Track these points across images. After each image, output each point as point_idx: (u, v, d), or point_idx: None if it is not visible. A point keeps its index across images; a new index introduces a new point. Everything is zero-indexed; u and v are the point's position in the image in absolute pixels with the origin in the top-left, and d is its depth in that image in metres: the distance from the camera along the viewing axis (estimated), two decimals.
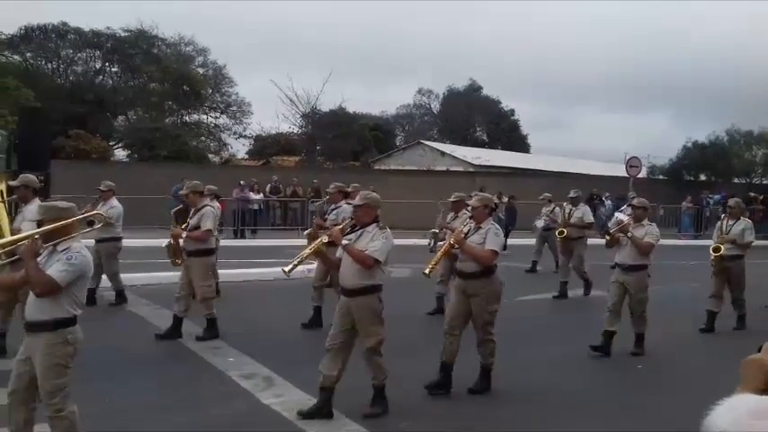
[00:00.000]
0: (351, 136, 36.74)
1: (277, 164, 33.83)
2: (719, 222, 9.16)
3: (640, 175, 27.78)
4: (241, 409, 5.18)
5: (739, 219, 8.83)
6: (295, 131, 38.10)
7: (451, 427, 5.24)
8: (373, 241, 5.10)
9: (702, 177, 32.27)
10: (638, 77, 73.61)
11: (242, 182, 20.58)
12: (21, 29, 34.39)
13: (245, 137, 39.27)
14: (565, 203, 12.54)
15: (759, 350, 1.79)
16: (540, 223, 14.48)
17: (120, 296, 9.59)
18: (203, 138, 37.46)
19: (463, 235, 5.74)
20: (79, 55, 36.68)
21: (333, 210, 8.40)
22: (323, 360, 5.13)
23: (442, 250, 5.92)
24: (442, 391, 5.72)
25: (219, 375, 6.07)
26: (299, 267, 5.76)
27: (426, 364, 5.94)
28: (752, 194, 25.94)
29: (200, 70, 38.65)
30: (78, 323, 4.11)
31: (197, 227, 7.50)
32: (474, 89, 50.70)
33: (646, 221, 7.39)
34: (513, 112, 51.26)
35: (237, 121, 39.04)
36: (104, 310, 9.04)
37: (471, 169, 33.00)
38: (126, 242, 14.41)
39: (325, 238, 5.29)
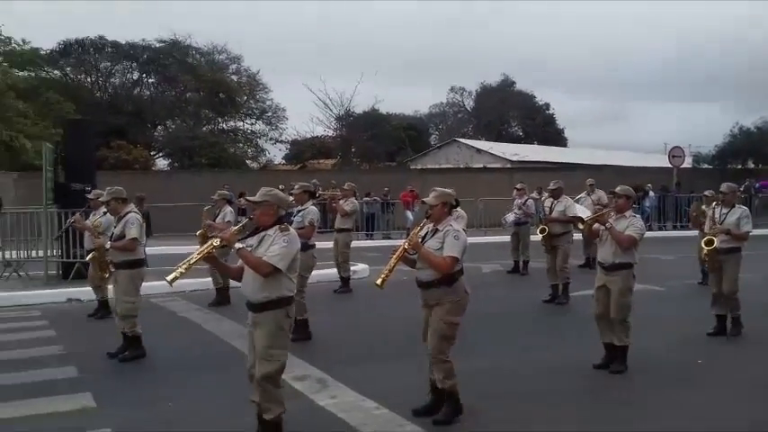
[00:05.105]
0: (385, 137, 36.78)
1: (313, 167, 34.07)
2: (710, 211, 8.06)
3: (684, 165, 27.19)
4: (297, 410, 5.13)
5: (734, 206, 7.80)
6: (330, 134, 38.31)
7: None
8: (273, 245, 4.46)
9: (750, 165, 31.35)
10: (685, 70, 72.50)
11: (281, 186, 20.70)
12: (59, 44, 35.37)
13: (281, 142, 39.72)
14: (544, 196, 11.02)
15: None
16: (510, 217, 12.88)
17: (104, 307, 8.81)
18: (241, 144, 37.90)
19: (420, 238, 4.98)
20: (117, 67, 37.57)
21: (298, 212, 7.79)
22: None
23: (396, 255, 4.99)
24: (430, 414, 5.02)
25: None
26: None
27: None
28: None
29: (234, 77, 39.13)
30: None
31: (121, 236, 6.95)
32: (507, 84, 50.25)
33: (629, 213, 6.49)
34: (548, 106, 50.73)
35: (273, 127, 39.49)
36: (158, 318, 9.05)
37: (509, 165, 32.74)
38: (171, 249, 14.55)
39: (216, 241, 4.52)
